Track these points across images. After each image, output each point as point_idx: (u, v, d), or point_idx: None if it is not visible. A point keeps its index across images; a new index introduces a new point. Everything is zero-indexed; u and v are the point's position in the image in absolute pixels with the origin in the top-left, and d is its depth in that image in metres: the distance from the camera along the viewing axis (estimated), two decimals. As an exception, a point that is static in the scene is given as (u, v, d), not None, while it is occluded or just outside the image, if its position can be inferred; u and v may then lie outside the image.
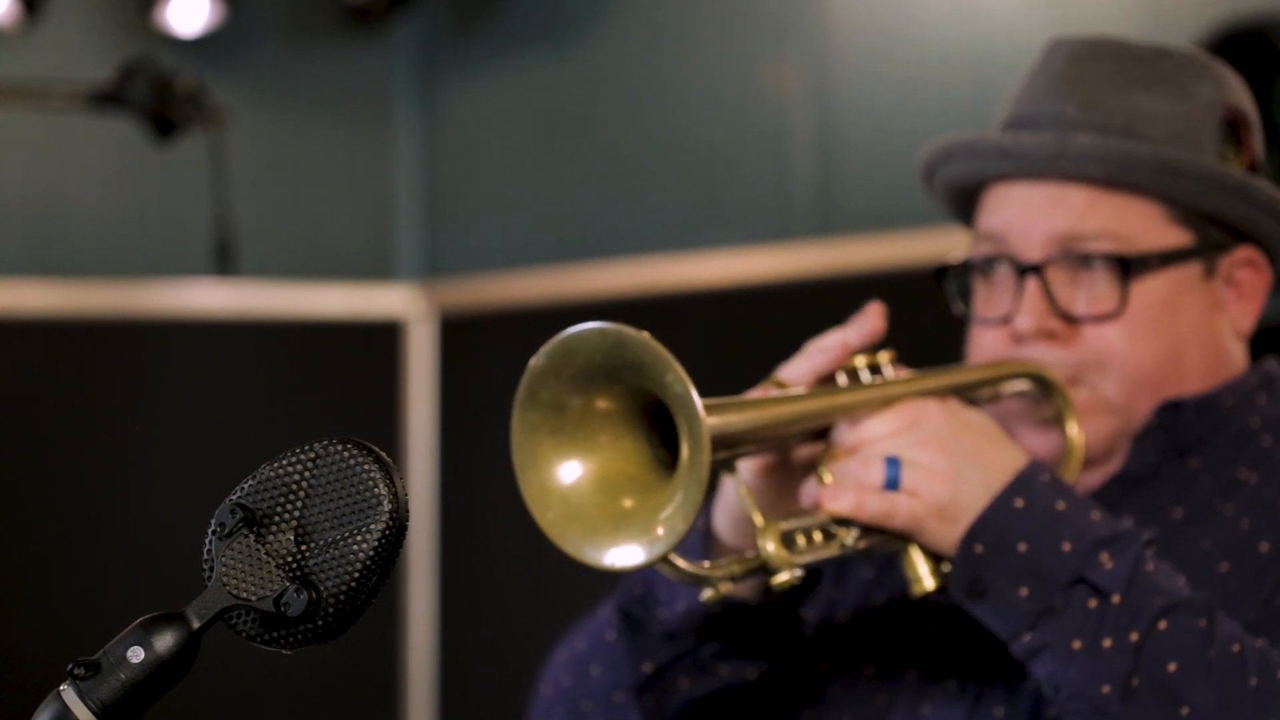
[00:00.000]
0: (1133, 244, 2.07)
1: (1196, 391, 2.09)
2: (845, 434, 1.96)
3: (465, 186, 5.14)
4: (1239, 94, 2.16)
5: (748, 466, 2.00)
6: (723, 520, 2.02)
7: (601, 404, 1.82)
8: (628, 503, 1.82)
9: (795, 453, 2.01)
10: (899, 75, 4.53)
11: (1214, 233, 2.10)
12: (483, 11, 5.15)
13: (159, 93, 4.00)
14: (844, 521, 1.92)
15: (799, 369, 2.01)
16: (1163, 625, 1.86)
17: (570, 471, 1.83)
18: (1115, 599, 1.86)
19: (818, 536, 1.93)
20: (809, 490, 1.96)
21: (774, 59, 4.74)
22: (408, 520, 1.34)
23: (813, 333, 2.07)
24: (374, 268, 5.11)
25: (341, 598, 1.32)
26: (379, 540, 1.32)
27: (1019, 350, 2.09)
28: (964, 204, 2.20)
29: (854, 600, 2.16)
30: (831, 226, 4.51)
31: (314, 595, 1.31)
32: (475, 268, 4.94)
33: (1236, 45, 3.98)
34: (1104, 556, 1.88)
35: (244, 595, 1.32)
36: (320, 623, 1.32)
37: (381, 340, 4.65)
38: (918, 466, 1.92)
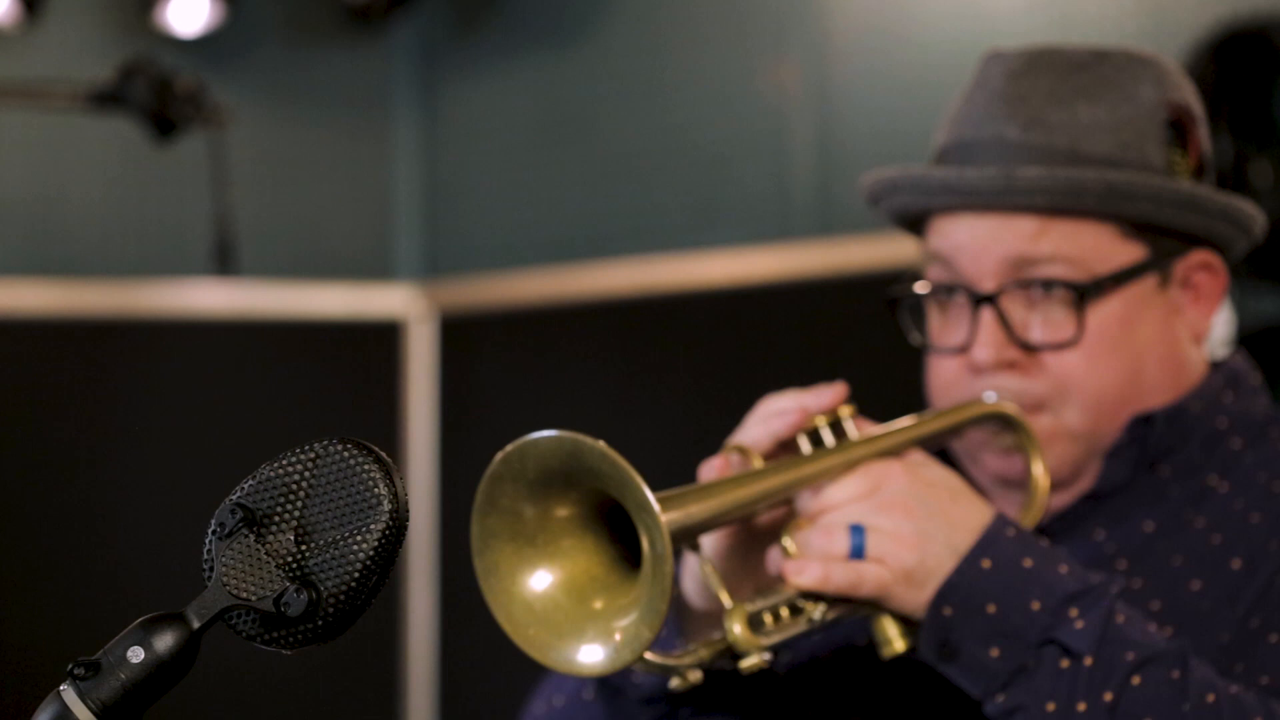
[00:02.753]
0: (1085, 265, 2.05)
1: (1160, 404, 2.08)
2: (808, 501, 1.95)
3: (465, 186, 5.14)
4: (1181, 89, 2.13)
5: (712, 538, 1.98)
6: (692, 587, 2.00)
7: (561, 511, 1.81)
8: (598, 604, 1.81)
9: (759, 519, 1.98)
10: (899, 75, 4.53)
11: (1167, 241, 2.08)
12: (483, 11, 5.15)
13: (159, 93, 4.00)
14: (811, 594, 1.91)
15: (757, 434, 1.98)
16: (1136, 681, 1.85)
17: (534, 578, 1.82)
18: (1087, 661, 1.85)
19: (785, 613, 1.91)
20: (774, 559, 1.95)
21: (774, 59, 4.75)
22: (408, 520, 1.34)
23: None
24: (374, 268, 5.11)
25: (341, 598, 1.32)
26: (379, 540, 1.32)
27: (979, 380, 2.08)
28: (912, 224, 2.18)
29: (826, 632, 2.15)
30: (831, 226, 4.51)
31: (314, 595, 1.31)
32: (475, 268, 4.94)
33: (1236, 45, 3.98)
34: (1073, 612, 1.87)
35: (244, 595, 1.32)
36: (320, 623, 1.32)
37: (381, 340, 4.65)
38: (882, 532, 1.90)
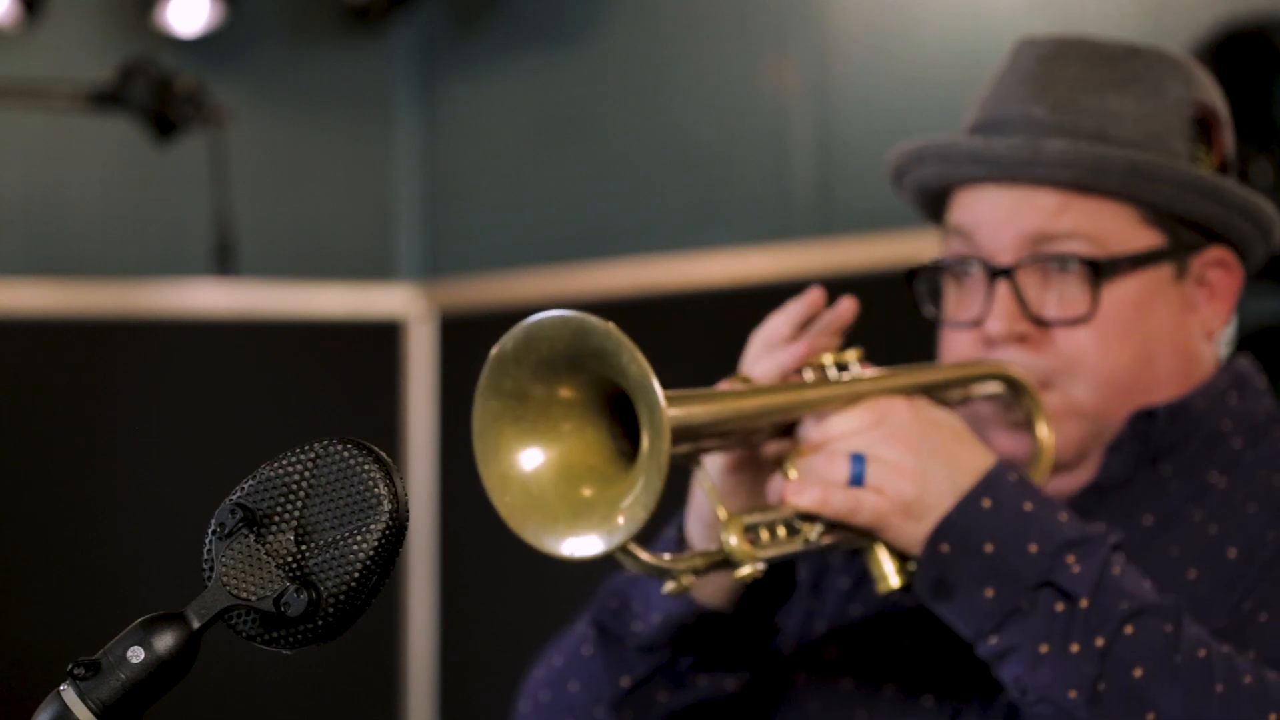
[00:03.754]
0: (1104, 245, 2.06)
1: (1168, 396, 2.08)
2: (811, 430, 1.95)
3: (465, 186, 5.14)
4: (1209, 91, 2.14)
5: (715, 463, 1.98)
6: (695, 527, 2.01)
7: (564, 393, 1.80)
8: (588, 492, 1.80)
9: (763, 449, 1.99)
10: (899, 75, 4.53)
11: (1186, 233, 2.09)
12: (483, 11, 5.15)
13: (159, 93, 4.00)
14: (808, 517, 1.91)
15: (765, 366, 1.99)
16: (1129, 630, 1.85)
17: (531, 459, 1.81)
18: (1083, 603, 1.85)
19: (781, 531, 1.91)
20: (774, 485, 1.95)
21: (774, 59, 4.74)
22: (408, 520, 1.34)
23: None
24: (374, 268, 5.11)
25: (341, 598, 1.32)
26: (379, 540, 1.32)
27: (990, 353, 2.08)
28: (933, 204, 2.19)
29: (831, 611, 2.15)
30: (831, 226, 4.51)
31: (314, 595, 1.31)
32: (475, 268, 4.94)
33: (1236, 45, 3.98)
34: (1070, 559, 1.87)
35: (244, 595, 1.32)
36: (320, 623, 1.32)
37: (381, 340, 4.65)
38: (883, 463, 1.91)
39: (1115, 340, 2.07)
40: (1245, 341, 3.78)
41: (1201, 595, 1.99)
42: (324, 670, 4.47)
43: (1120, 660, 1.84)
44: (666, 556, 1.89)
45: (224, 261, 4.32)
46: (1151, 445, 2.08)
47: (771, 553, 1.90)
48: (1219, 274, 2.12)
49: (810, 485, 1.91)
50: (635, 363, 1.74)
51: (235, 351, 4.60)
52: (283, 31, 5.13)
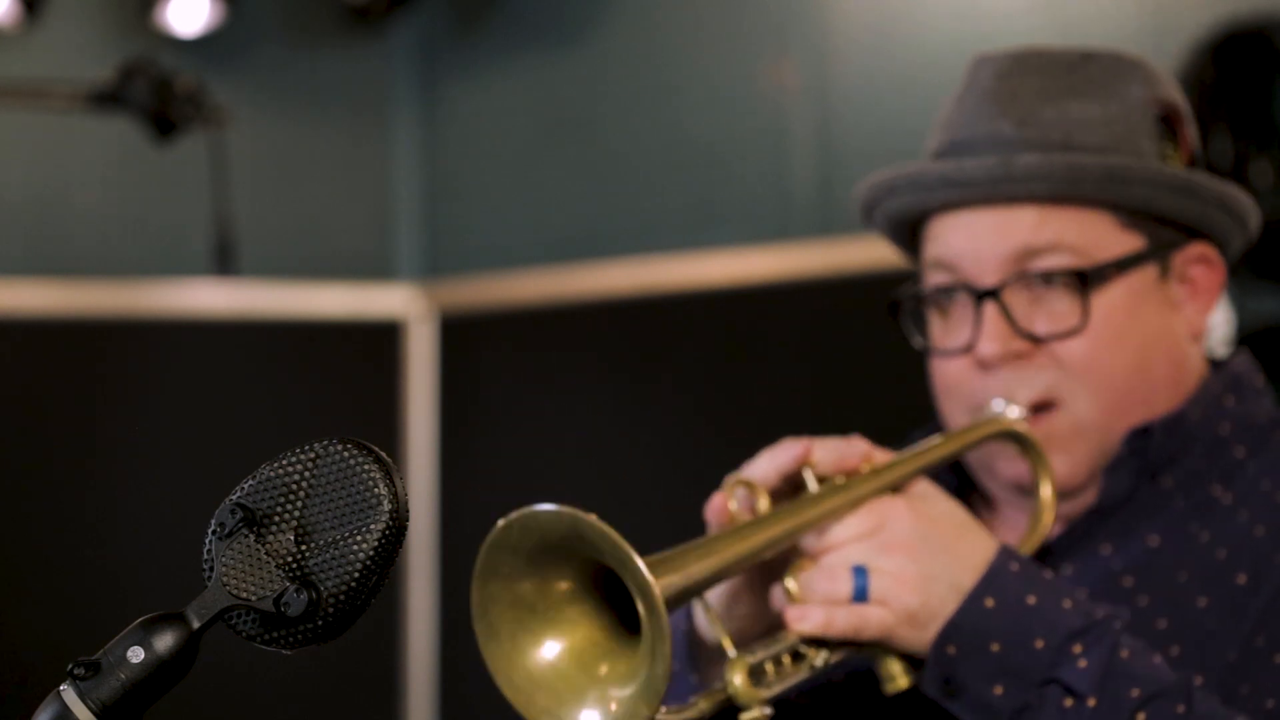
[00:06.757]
0: (1087, 253, 2.05)
1: (1165, 404, 2.07)
2: (811, 539, 1.94)
3: (465, 186, 5.14)
4: (1168, 88, 2.13)
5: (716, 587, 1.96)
6: (704, 621, 1.99)
7: (561, 583, 1.81)
8: (601, 670, 1.81)
9: (764, 558, 1.96)
10: (899, 75, 4.53)
11: (1165, 232, 2.08)
12: (483, 11, 5.15)
13: (159, 93, 4.00)
14: (814, 640, 1.90)
15: (764, 468, 1.97)
16: (1141, 718, 1.84)
17: (535, 644, 1.82)
18: (1091, 701, 1.85)
19: (786, 661, 1.90)
20: (778, 598, 1.94)
21: (774, 59, 4.75)
22: (408, 520, 1.34)
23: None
24: (374, 268, 5.11)
25: (341, 598, 1.32)
26: (379, 540, 1.32)
27: (987, 377, 2.06)
28: (906, 235, 2.17)
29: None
30: (831, 226, 4.51)
31: (314, 595, 1.31)
32: (475, 268, 4.94)
33: (1236, 45, 3.98)
34: (1077, 649, 1.86)
35: (244, 595, 1.32)
36: (320, 623, 1.32)
37: (381, 340, 4.65)
38: (885, 574, 1.90)
39: (1111, 347, 2.05)
40: (1245, 342, 3.78)
41: (1211, 627, 1.98)
42: (324, 670, 4.47)
43: None
44: (664, 710, 1.87)
45: (224, 261, 4.32)
46: (1150, 460, 2.06)
47: (777, 689, 1.89)
48: (1201, 270, 2.11)
49: (813, 608, 1.90)
50: (629, 563, 1.72)
51: (235, 351, 4.60)
52: (283, 31, 5.13)
